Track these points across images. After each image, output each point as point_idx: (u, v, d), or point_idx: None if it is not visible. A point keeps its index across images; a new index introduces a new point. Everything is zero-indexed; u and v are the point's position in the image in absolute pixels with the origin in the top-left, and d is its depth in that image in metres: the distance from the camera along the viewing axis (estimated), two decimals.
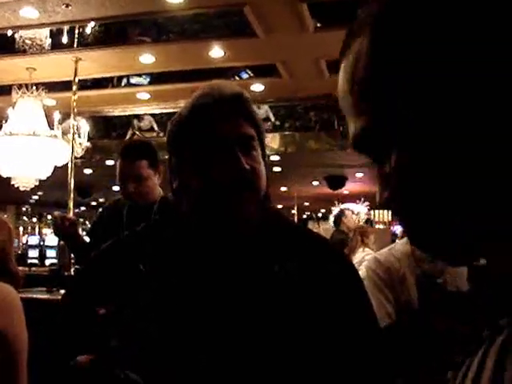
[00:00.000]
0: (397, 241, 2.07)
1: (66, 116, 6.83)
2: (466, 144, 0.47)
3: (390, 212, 14.58)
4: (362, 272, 1.96)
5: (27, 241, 14.30)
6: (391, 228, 12.76)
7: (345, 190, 13.34)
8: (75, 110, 6.69)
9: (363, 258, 5.34)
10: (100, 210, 2.89)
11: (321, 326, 1.07)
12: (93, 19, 5.96)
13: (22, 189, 6.73)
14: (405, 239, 1.96)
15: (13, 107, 6.62)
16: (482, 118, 0.46)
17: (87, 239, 2.93)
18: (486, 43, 0.45)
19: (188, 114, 1.16)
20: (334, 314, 1.10)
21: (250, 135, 1.13)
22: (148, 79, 8.01)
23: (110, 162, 10.38)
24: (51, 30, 6.51)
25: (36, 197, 16.18)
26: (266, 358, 1.05)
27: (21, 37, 6.52)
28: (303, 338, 1.06)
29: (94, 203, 17.49)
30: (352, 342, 1.10)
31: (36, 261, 12.10)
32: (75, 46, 6.53)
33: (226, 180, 1.08)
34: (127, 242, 1.29)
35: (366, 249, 5.70)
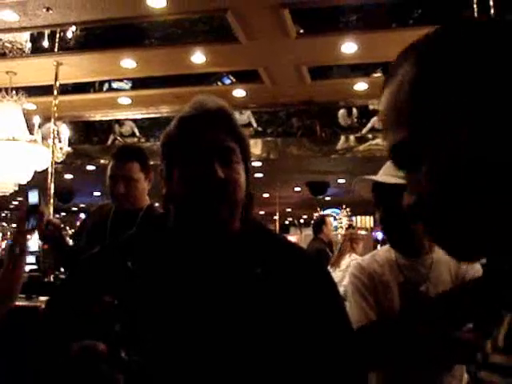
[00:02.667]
0: (378, 247, 2.08)
1: (46, 121, 6.77)
2: (485, 165, 0.58)
3: (371, 218, 14.66)
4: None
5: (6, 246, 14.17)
6: (373, 234, 12.84)
7: (327, 196, 13.39)
8: (56, 114, 6.64)
9: (350, 264, 5.33)
10: (84, 215, 2.88)
11: (295, 328, 1.14)
12: (74, 23, 5.92)
13: (0, 194, 6.65)
14: (387, 246, 1.96)
15: None
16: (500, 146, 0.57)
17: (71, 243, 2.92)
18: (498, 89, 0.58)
19: (175, 126, 1.26)
20: (306, 315, 1.17)
21: (229, 147, 1.20)
22: (129, 84, 7.98)
23: (90, 167, 10.31)
24: (32, 34, 6.45)
25: (16, 202, 16.02)
26: (245, 353, 1.10)
27: (0, 40, 6.46)
28: (279, 337, 1.12)
29: (74, 208, 17.36)
30: (323, 342, 1.17)
31: None
32: (56, 50, 6.49)
33: (201, 189, 1.16)
34: (115, 245, 1.34)
35: (353, 254, 5.69)
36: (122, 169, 2.56)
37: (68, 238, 2.84)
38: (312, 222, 7.12)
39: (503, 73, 0.57)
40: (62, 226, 2.78)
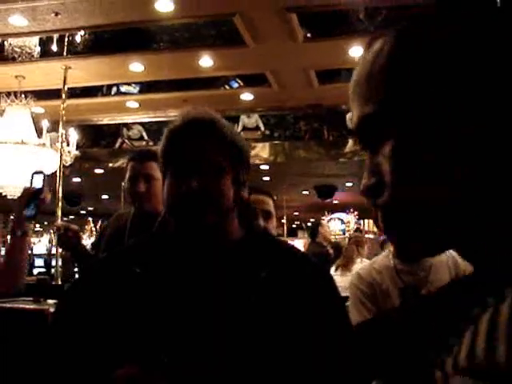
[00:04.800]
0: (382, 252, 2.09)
1: (54, 124, 6.81)
2: (453, 139, 0.54)
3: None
4: None
5: None
6: (381, 237, 12.80)
7: (334, 200, 13.37)
8: (64, 118, 6.67)
9: None
10: (105, 222, 2.88)
11: (298, 333, 1.15)
12: (82, 28, 5.96)
13: (9, 197, 6.68)
14: (385, 252, 1.98)
15: (1, 115, 6.59)
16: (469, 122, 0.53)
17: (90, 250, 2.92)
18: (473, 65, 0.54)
19: (164, 137, 1.29)
20: (309, 322, 1.18)
21: (210, 159, 1.22)
22: (137, 88, 8.01)
23: (98, 171, 10.35)
24: (41, 38, 6.50)
25: None
26: (249, 358, 1.11)
27: (10, 45, 6.50)
28: (281, 342, 1.13)
29: (82, 212, 17.41)
30: (325, 347, 1.17)
31: None
32: (65, 54, 6.53)
33: (177, 201, 1.22)
34: (122, 250, 1.38)
35: (364, 259, 5.67)
36: (143, 168, 2.57)
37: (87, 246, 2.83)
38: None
39: (484, 52, 0.54)
40: (79, 231, 2.77)
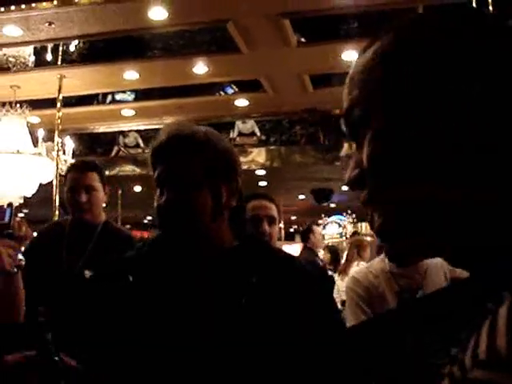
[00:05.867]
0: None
1: (50, 133, 6.80)
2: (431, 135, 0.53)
3: None
4: None
5: None
6: (377, 240, 12.75)
7: (331, 204, 13.38)
8: (60, 127, 6.66)
9: None
10: (35, 234, 2.74)
11: (290, 339, 1.18)
12: (76, 37, 5.97)
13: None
14: (381, 256, 1.99)
15: None
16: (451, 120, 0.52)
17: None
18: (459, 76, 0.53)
19: (149, 153, 1.38)
20: (301, 327, 1.21)
21: (185, 174, 1.29)
22: (133, 96, 8.01)
23: None
24: (35, 48, 6.51)
25: (21, 214, 16.05)
26: (240, 365, 1.14)
27: (4, 54, 6.50)
28: (273, 348, 1.16)
29: None
30: (313, 349, 1.19)
31: None
32: (59, 63, 6.53)
33: (156, 212, 1.32)
34: (119, 261, 1.45)
35: (361, 262, 5.56)
36: (84, 179, 2.58)
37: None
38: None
39: (478, 58, 0.53)
40: None
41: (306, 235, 6.12)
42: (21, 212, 15.16)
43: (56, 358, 1.11)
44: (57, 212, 6.43)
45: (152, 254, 1.36)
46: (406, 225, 0.55)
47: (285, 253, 1.44)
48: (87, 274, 2.20)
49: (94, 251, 2.49)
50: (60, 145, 6.60)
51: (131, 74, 6.69)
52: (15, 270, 1.78)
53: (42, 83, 6.75)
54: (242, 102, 7.89)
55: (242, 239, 1.35)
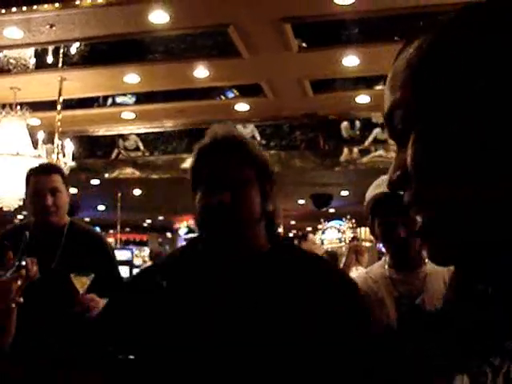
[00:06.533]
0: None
1: (50, 136, 6.80)
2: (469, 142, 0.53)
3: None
4: None
5: None
6: (378, 245, 12.78)
7: (330, 209, 13.37)
8: (60, 129, 6.67)
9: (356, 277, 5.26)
10: None
11: (319, 337, 1.23)
12: (77, 39, 5.97)
13: (5, 209, 6.66)
14: (381, 262, 1.99)
15: None
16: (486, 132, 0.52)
17: None
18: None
19: (193, 155, 1.39)
20: (331, 330, 1.24)
21: (237, 174, 1.31)
22: (133, 99, 8.02)
23: (95, 182, 10.34)
24: (36, 50, 6.51)
25: (20, 216, 16.05)
26: (274, 365, 1.19)
27: (5, 56, 6.51)
28: (305, 351, 1.20)
29: None
30: (344, 351, 1.23)
31: None
32: (60, 65, 6.53)
33: (205, 214, 1.32)
34: (152, 267, 1.55)
35: (359, 267, 5.61)
36: (48, 181, 2.57)
37: None
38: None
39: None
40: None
41: (299, 242, 6.24)
42: (20, 214, 15.17)
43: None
44: None
45: (187, 260, 1.39)
46: (451, 224, 0.55)
47: (316, 255, 1.54)
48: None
49: (64, 253, 2.48)
50: (60, 147, 6.59)
51: (132, 77, 6.70)
52: (13, 305, 1.78)
53: (43, 85, 6.76)
54: (242, 107, 7.90)
55: (275, 242, 1.39)
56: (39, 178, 2.59)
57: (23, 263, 1.84)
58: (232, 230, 1.30)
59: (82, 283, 2.16)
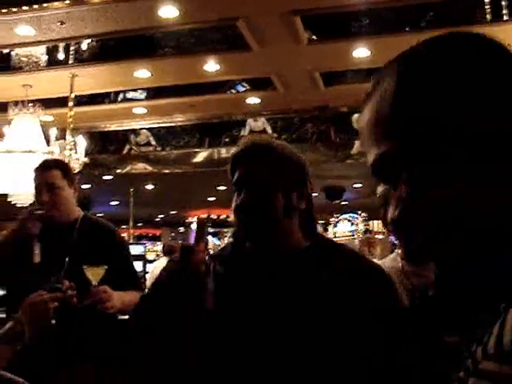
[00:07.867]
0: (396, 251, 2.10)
1: (63, 132, 6.85)
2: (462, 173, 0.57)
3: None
4: None
5: None
6: (390, 237, 12.74)
7: (343, 201, 13.34)
8: (72, 125, 6.70)
9: None
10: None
11: (355, 330, 1.29)
12: (88, 36, 6.00)
13: (19, 205, 6.72)
14: (393, 255, 1.98)
15: (9, 124, 6.63)
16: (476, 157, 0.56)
17: None
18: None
19: (230, 160, 1.52)
20: (366, 320, 1.31)
21: (261, 177, 1.44)
22: (144, 94, 8.04)
23: (107, 177, 10.39)
24: (47, 47, 6.55)
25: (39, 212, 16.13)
26: (312, 356, 1.27)
27: (17, 54, 6.56)
28: (340, 336, 1.28)
29: None
30: (377, 343, 1.30)
31: None
32: (71, 62, 6.57)
33: (237, 216, 1.45)
34: (216, 254, 1.62)
35: (372, 260, 5.65)
36: (44, 177, 2.60)
37: None
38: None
39: (484, 86, 0.58)
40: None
41: None
42: (38, 210, 15.25)
43: None
44: None
45: (237, 250, 1.52)
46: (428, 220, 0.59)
47: (352, 250, 1.58)
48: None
49: (77, 246, 2.49)
50: (72, 143, 6.63)
51: (142, 73, 6.72)
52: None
53: (54, 82, 6.80)
54: (253, 100, 7.89)
55: (313, 239, 1.48)
56: (37, 174, 2.65)
57: (59, 285, 1.98)
58: (255, 223, 1.42)
59: (94, 274, 2.19)
